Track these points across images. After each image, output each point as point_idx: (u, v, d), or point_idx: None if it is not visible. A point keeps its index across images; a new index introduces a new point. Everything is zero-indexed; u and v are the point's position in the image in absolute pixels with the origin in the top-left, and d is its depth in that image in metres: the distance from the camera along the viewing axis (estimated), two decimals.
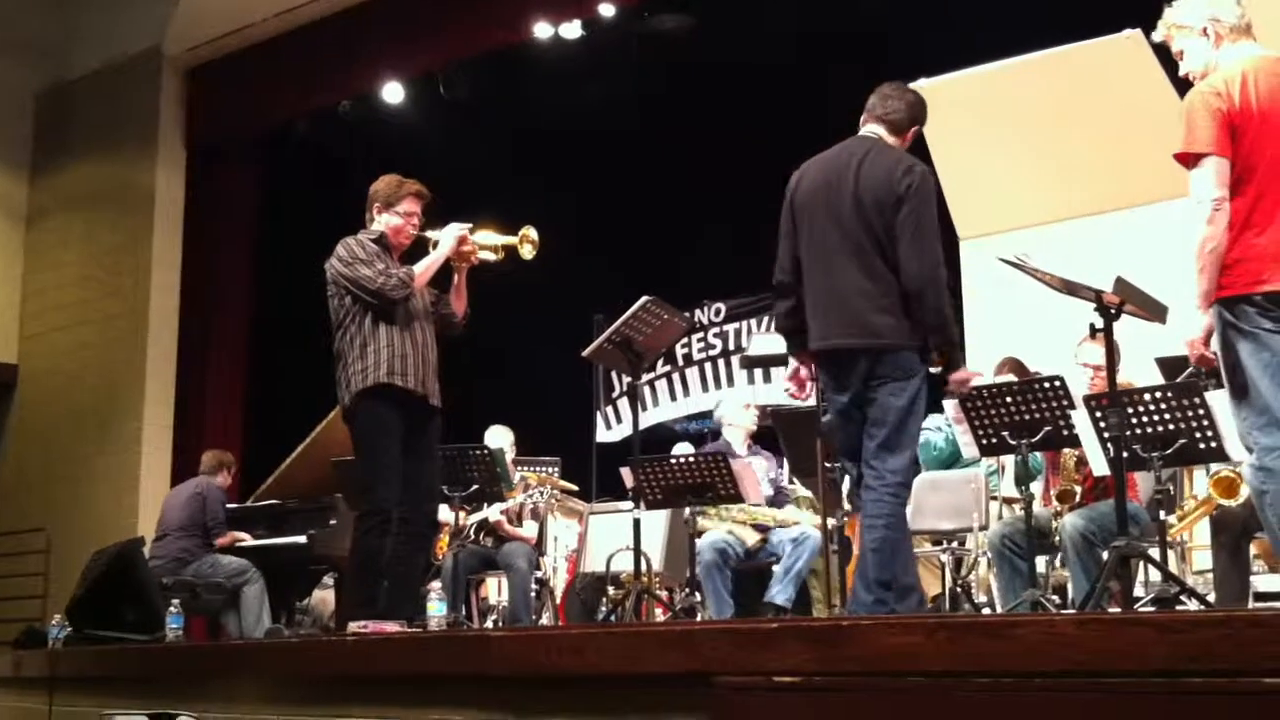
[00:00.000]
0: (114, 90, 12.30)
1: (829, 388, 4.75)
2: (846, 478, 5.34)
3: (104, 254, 12.14)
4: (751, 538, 6.93)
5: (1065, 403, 5.13)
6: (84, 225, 12.40)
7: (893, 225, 4.54)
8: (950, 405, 6.09)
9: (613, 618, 6.71)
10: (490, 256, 5.81)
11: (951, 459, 6.93)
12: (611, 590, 7.42)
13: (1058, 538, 5.57)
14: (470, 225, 5.74)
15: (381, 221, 5.66)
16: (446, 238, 5.67)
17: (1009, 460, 6.08)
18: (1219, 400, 4.71)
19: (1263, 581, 5.49)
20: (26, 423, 12.55)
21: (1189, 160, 3.97)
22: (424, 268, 5.61)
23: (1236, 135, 3.92)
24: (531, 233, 5.78)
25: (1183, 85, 7.35)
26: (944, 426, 6.73)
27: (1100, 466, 5.16)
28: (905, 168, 4.62)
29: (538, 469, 8.14)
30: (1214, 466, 5.10)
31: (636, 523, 6.23)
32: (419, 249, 5.72)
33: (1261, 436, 3.93)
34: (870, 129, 4.82)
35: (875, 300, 4.54)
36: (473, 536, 7.40)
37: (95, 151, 12.42)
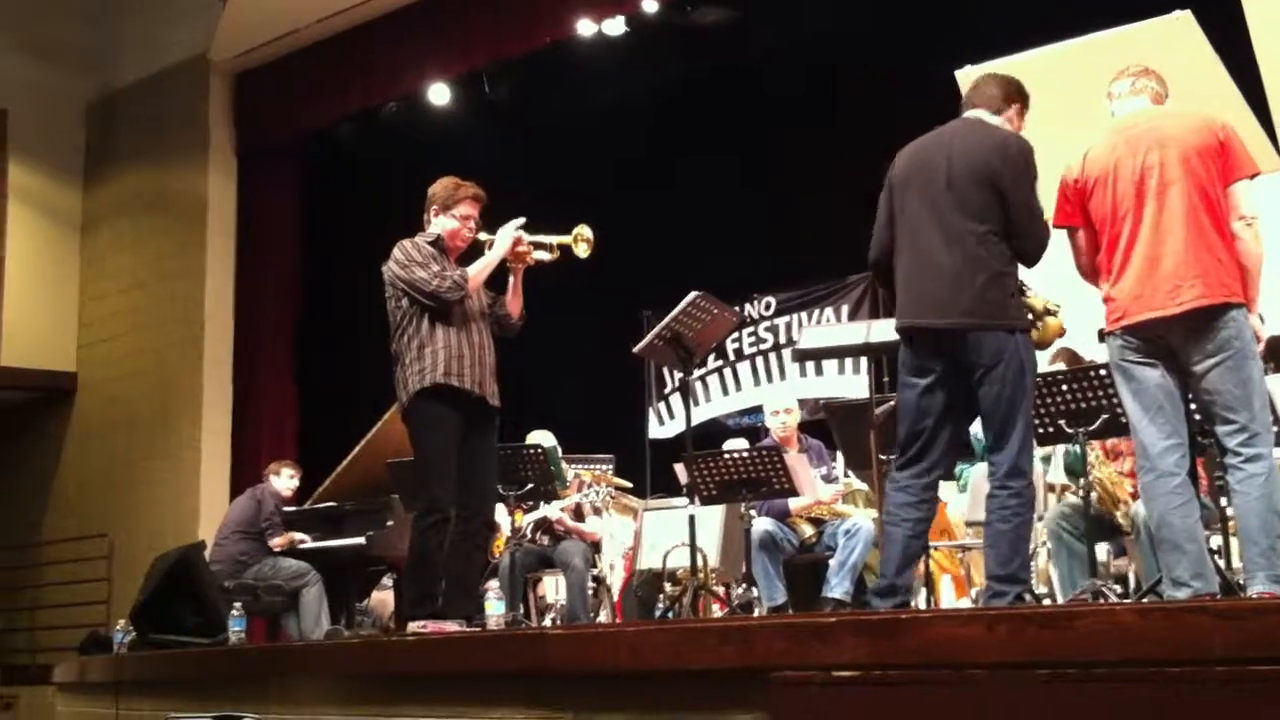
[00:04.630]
0: (163, 98, 12.45)
1: (908, 368, 4.62)
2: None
3: (158, 260, 12.29)
4: (807, 530, 6.92)
5: None
6: (137, 232, 12.55)
7: (993, 204, 4.47)
8: None
9: (670, 614, 6.71)
10: (545, 256, 5.80)
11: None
12: (668, 587, 7.41)
13: (1122, 520, 5.53)
14: (524, 224, 5.75)
15: (438, 224, 5.68)
16: (501, 239, 5.68)
17: (1058, 448, 6.03)
18: (1277, 385, 4.69)
19: None
20: (87, 430, 12.72)
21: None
22: (479, 269, 5.63)
23: (1084, 199, 4.52)
24: (586, 231, 5.77)
25: (1235, 67, 7.27)
26: None
27: None
28: (1013, 147, 4.56)
29: (592, 467, 8.16)
30: None
31: (692, 519, 6.23)
32: (475, 250, 5.74)
33: (1140, 459, 4.42)
34: (970, 113, 4.76)
35: (965, 280, 4.45)
36: (529, 535, 7.42)
37: (146, 159, 12.58)
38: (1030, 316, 4.62)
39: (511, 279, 5.79)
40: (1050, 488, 6.31)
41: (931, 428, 4.56)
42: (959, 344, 4.47)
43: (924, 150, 4.70)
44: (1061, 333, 4.78)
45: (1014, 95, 4.80)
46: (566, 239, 5.78)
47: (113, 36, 13.00)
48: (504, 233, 5.70)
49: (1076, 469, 5.91)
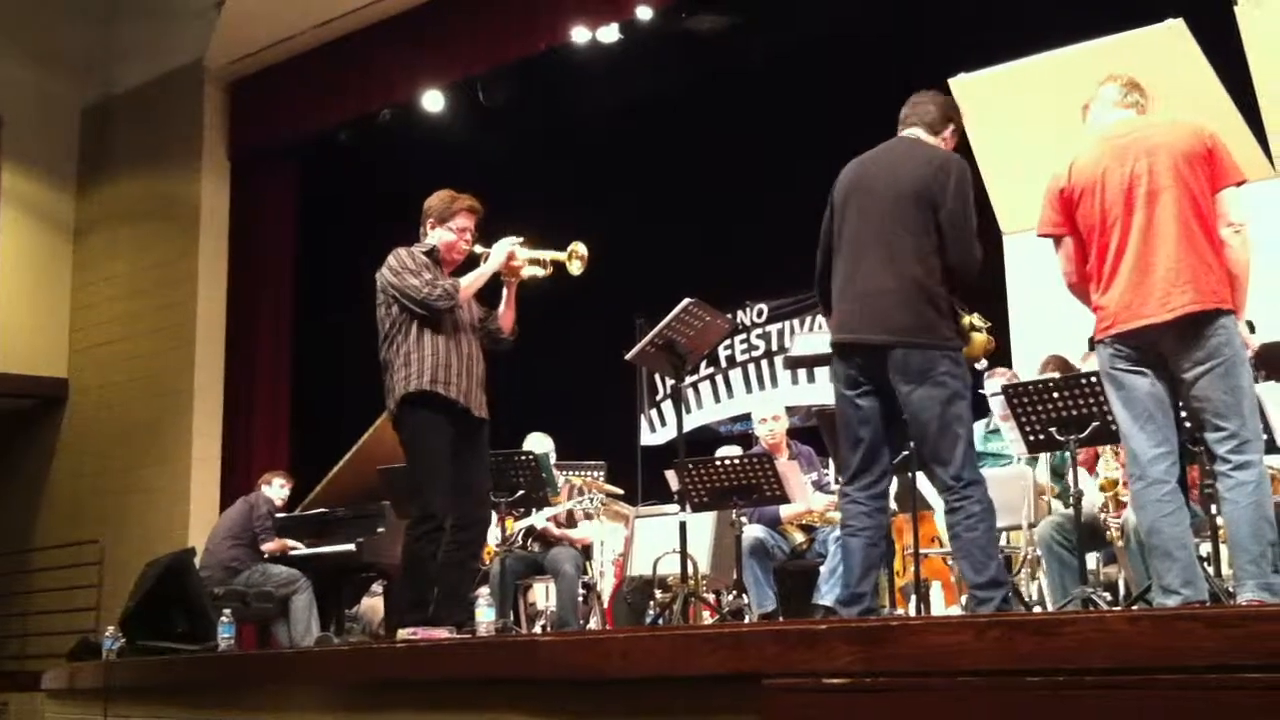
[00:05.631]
0: (158, 104, 12.45)
1: (841, 380, 4.69)
2: (894, 479, 5.29)
3: (151, 266, 12.27)
4: (798, 537, 6.91)
5: None
6: (131, 238, 12.54)
7: (928, 221, 4.54)
8: (997, 403, 6.06)
9: (660, 621, 6.71)
10: (539, 272, 5.82)
11: None
12: (659, 593, 7.41)
13: (1111, 532, 5.53)
14: (520, 239, 5.76)
15: (434, 236, 5.70)
16: (496, 253, 5.70)
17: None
18: (1269, 393, 4.69)
19: None
20: (78, 436, 12.69)
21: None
22: (471, 281, 5.65)
23: (1072, 208, 4.49)
24: (580, 248, 5.78)
25: (1228, 77, 7.28)
26: None
27: None
28: (942, 162, 4.63)
29: (583, 473, 8.15)
30: None
31: (682, 525, 6.23)
32: (472, 263, 5.75)
33: (1130, 467, 4.39)
34: (908, 132, 4.84)
35: (899, 297, 4.52)
36: (520, 542, 7.41)
37: (141, 165, 12.57)
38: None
39: (505, 293, 5.81)
40: (1040, 491, 6.33)
41: (870, 437, 4.63)
42: (888, 360, 4.53)
43: (864, 168, 4.77)
44: (989, 349, 4.80)
45: (951, 115, 4.88)
46: (561, 255, 5.79)
47: (109, 42, 12.99)
48: (499, 247, 5.72)
49: (1061, 470, 5.93)
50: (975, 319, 4.71)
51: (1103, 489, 5.64)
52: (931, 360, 4.49)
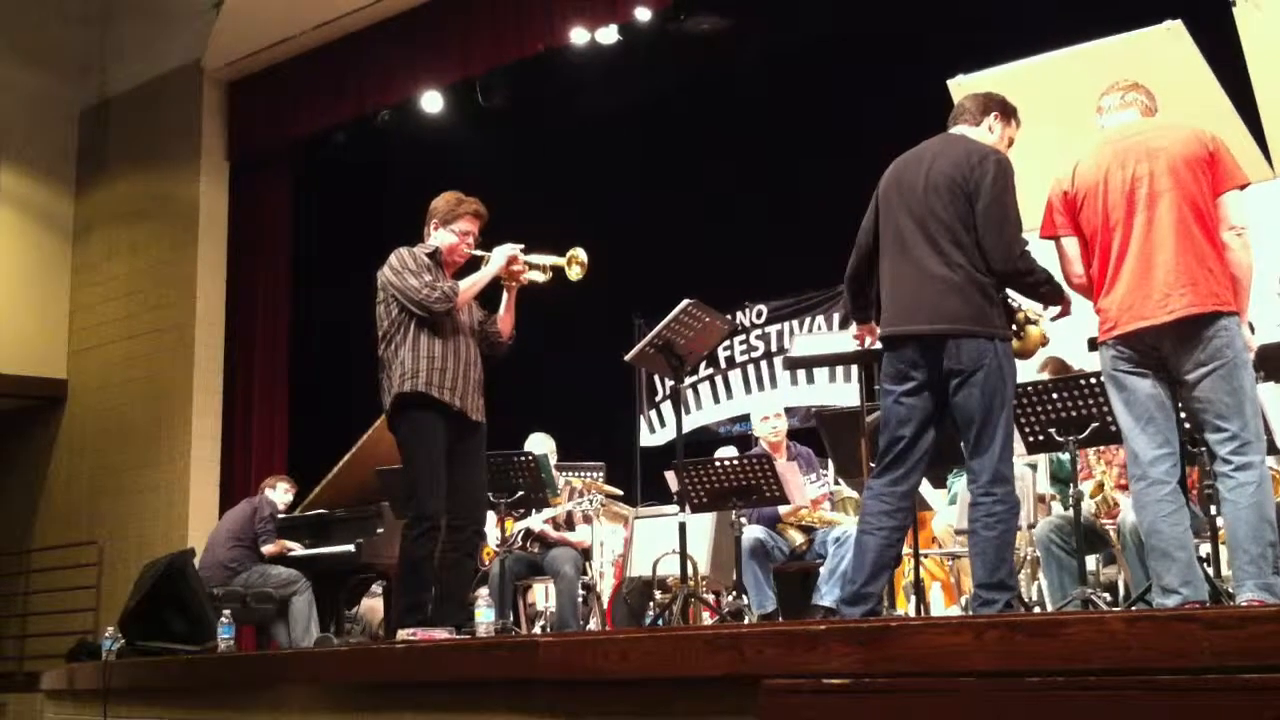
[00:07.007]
0: (156, 105, 12.43)
1: (889, 376, 4.68)
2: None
3: (149, 267, 12.26)
4: (797, 538, 6.91)
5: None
6: (129, 240, 12.53)
7: (967, 214, 4.54)
8: None
9: (660, 621, 6.71)
10: (539, 277, 5.83)
11: None
12: (658, 594, 7.41)
13: (1116, 533, 5.54)
14: (521, 245, 5.77)
15: (438, 238, 5.71)
16: (496, 257, 5.72)
17: (1042, 457, 6.05)
18: (1269, 394, 4.70)
19: None
20: (77, 437, 12.68)
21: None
22: (470, 284, 5.66)
23: (1075, 210, 4.54)
24: (580, 254, 5.79)
25: (1227, 78, 7.28)
26: None
27: None
28: (980, 156, 4.62)
29: (582, 474, 8.14)
30: None
31: (682, 526, 6.22)
32: (473, 267, 5.76)
33: (1131, 467, 4.42)
34: (953, 130, 4.87)
35: (949, 287, 4.51)
36: (519, 543, 7.41)
37: (139, 166, 12.56)
38: (1013, 327, 4.65)
39: (505, 297, 5.82)
40: (1040, 498, 6.32)
41: (910, 436, 4.60)
42: (940, 349, 4.51)
43: (907, 164, 4.78)
44: (1044, 342, 4.81)
45: (990, 105, 4.89)
46: (560, 261, 5.81)
47: (106, 43, 12.98)
48: (499, 251, 5.73)
49: (1062, 475, 5.93)
50: (1030, 312, 4.73)
51: (1091, 495, 5.65)
52: (983, 350, 4.49)
